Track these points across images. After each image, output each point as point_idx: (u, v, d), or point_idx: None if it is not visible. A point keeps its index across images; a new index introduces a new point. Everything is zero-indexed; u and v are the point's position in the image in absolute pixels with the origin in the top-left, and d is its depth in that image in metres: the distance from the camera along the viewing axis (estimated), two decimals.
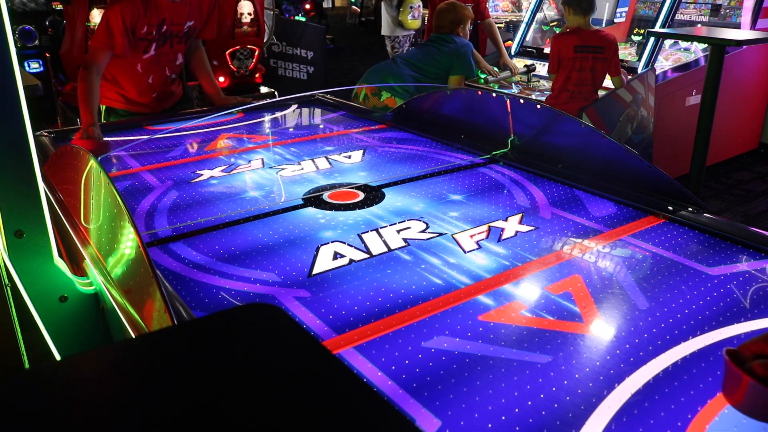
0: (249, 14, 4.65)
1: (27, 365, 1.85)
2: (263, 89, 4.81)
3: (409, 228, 1.64)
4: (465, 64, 3.73)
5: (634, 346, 1.15)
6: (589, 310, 1.27)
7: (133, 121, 2.78)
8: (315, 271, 1.43)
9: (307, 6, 10.35)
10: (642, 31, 4.84)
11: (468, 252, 1.51)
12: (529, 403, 1.00)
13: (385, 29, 6.74)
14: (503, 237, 1.59)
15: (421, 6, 6.54)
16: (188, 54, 2.94)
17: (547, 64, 4.89)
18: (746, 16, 4.70)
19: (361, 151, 2.30)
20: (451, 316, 1.24)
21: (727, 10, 4.91)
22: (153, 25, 2.60)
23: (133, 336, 1.18)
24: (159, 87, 2.81)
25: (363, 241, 1.56)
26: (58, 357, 1.49)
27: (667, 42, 4.57)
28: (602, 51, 3.64)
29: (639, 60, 4.47)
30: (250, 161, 2.21)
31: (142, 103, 2.83)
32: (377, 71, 3.77)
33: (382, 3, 6.62)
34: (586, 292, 1.33)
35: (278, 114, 3.01)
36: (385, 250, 1.52)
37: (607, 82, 3.79)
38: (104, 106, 2.84)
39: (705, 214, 1.66)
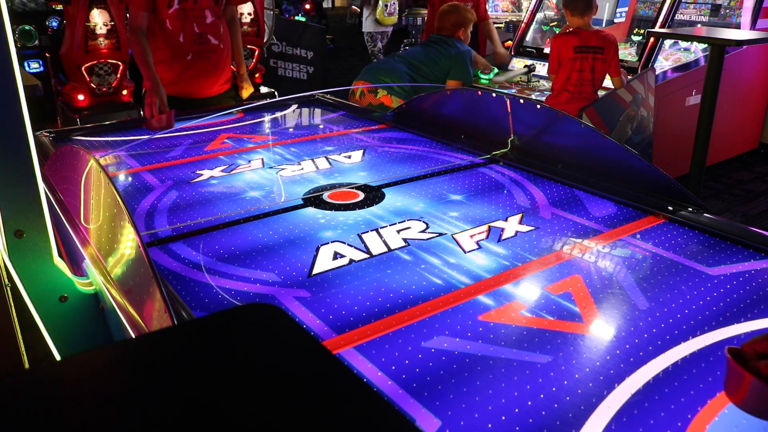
0: (249, 14, 4.65)
1: (27, 365, 1.85)
2: (263, 89, 4.81)
3: (409, 228, 1.64)
4: (463, 70, 3.72)
5: (634, 346, 1.15)
6: (589, 310, 1.27)
7: (135, 120, 2.79)
8: (315, 271, 1.43)
9: (307, 6, 10.35)
10: (642, 31, 4.84)
11: (468, 252, 1.51)
12: (529, 403, 1.00)
13: (365, 26, 7.15)
14: (503, 237, 1.59)
15: (396, 4, 6.89)
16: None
17: (547, 64, 4.88)
18: (746, 16, 4.70)
19: (361, 151, 2.30)
20: (451, 316, 1.24)
21: (727, 10, 4.91)
22: None
23: (133, 336, 1.18)
24: (190, 46, 2.86)
25: (363, 241, 1.56)
26: (58, 357, 1.49)
27: (667, 42, 4.57)
28: (602, 51, 3.64)
29: (639, 60, 4.47)
30: (250, 161, 2.21)
31: (179, 78, 2.88)
32: (374, 69, 3.77)
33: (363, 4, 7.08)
34: (586, 292, 1.33)
35: (278, 114, 3.01)
36: (385, 250, 1.52)
37: (607, 82, 3.79)
38: (144, 90, 2.88)
39: (705, 214, 1.66)
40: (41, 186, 1.42)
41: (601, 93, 3.78)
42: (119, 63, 4.24)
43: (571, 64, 3.68)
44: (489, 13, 5.20)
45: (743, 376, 0.72)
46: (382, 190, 1.91)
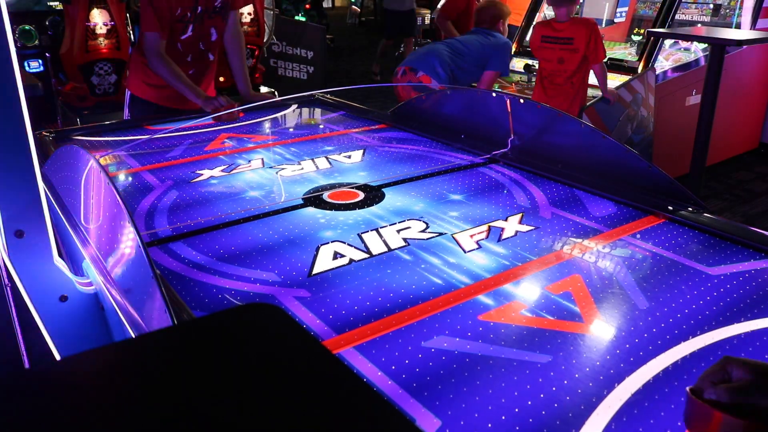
0: (249, 14, 4.66)
1: (27, 365, 1.85)
2: (263, 89, 4.82)
3: (409, 228, 1.64)
4: (502, 60, 4.04)
5: (634, 346, 1.15)
6: (589, 310, 1.27)
7: (135, 120, 2.79)
8: (315, 270, 1.43)
9: (307, 6, 10.36)
10: (642, 31, 4.84)
11: (468, 252, 1.51)
12: (529, 403, 1.00)
13: None
14: (503, 237, 1.59)
15: None
16: (225, 36, 2.98)
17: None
18: (746, 16, 4.70)
19: (361, 151, 2.30)
20: (451, 316, 1.24)
21: (727, 10, 4.91)
22: (187, 8, 2.67)
23: (133, 336, 1.18)
24: (193, 63, 2.86)
25: (363, 241, 1.56)
26: (58, 357, 1.49)
27: (667, 42, 4.57)
28: (571, 42, 3.62)
29: (639, 60, 4.47)
30: (250, 161, 2.21)
31: (174, 91, 2.84)
32: (417, 52, 4.12)
33: None
34: (586, 292, 1.33)
35: (278, 114, 3.01)
36: (385, 249, 1.52)
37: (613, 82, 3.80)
38: (129, 93, 2.86)
39: (705, 214, 1.66)
40: (41, 186, 1.42)
41: (593, 92, 3.79)
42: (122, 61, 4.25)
43: (538, 53, 3.78)
44: None
45: (711, 414, 0.68)
46: (382, 189, 1.91)
